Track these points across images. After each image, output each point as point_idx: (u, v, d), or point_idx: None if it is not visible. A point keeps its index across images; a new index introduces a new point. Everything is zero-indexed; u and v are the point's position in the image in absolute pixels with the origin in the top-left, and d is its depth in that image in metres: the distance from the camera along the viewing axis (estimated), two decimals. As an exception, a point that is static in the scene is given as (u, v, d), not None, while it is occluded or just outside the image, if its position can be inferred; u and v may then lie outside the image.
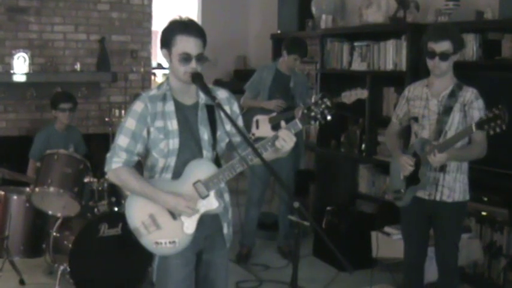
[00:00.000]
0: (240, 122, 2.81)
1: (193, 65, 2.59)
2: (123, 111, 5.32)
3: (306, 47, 5.17)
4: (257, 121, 5.16)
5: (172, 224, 2.66)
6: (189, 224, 2.66)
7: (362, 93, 4.44)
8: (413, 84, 3.67)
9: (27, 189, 4.45)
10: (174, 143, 2.65)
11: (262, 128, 5.11)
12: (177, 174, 2.67)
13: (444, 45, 3.34)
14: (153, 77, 7.26)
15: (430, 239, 3.68)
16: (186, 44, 2.58)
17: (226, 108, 2.70)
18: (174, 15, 2.68)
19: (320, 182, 6.06)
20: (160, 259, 2.75)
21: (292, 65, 5.15)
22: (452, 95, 3.42)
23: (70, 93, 5.14)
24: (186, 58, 2.59)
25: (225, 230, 2.83)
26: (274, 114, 5.07)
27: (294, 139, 2.58)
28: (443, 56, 3.35)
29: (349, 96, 4.44)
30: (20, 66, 5.88)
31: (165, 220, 2.67)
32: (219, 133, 2.73)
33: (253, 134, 5.06)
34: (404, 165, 3.50)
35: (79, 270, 4.15)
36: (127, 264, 4.22)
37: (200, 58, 2.61)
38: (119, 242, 4.18)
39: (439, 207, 3.49)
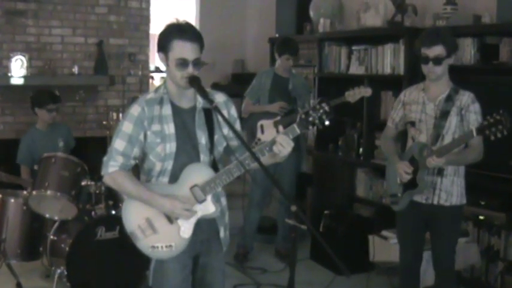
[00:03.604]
0: (237, 126, 2.79)
1: (190, 70, 2.58)
2: (120, 115, 5.29)
3: (295, 45, 5.21)
4: (262, 126, 5.15)
5: (168, 228, 2.66)
6: (186, 228, 2.66)
7: (366, 91, 4.43)
8: (409, 88, 3.67)
9: (24, 192, 4.44)
10: (171, 146, 2.65)
11: (268, 132, 5.10)
12: (174, 178, 2.67)
13: (437, 50, 3.34)
14: (151, 81, 7.26)
15: (426, 243, 3.68)
16: (183, 49, 2.57)
17: (224, 112, 2.69)
18: (171, 19, 2.66)
19: (318, 185, 6.06)
20: (156, 263, 2.75)
21: (286, 66, 5.20)
22: (449, 99, 3.42)
23: (54, 93, 5.02)
24: (182, 63, 2.58)
25: (222, 234, 2.82)
26: (278, 118, 5.06)
27: (292, 144, 2.56)
28: (437, 61, 3.35)
29: (353, 95, 4.43)
30: (18, 69, 5.87)
31: (161, 224, 2.66)
32: (216, 137, 2.72)
33: (259, 139, 5.04)
34: (402, 172, 3.49)
35: (76, 274, 4.14)
36: (124, 268, 4.21)
37: (197, 63, 2.60)
38: (116, 245, 4.17)
39: (436, 211, 3.48)
